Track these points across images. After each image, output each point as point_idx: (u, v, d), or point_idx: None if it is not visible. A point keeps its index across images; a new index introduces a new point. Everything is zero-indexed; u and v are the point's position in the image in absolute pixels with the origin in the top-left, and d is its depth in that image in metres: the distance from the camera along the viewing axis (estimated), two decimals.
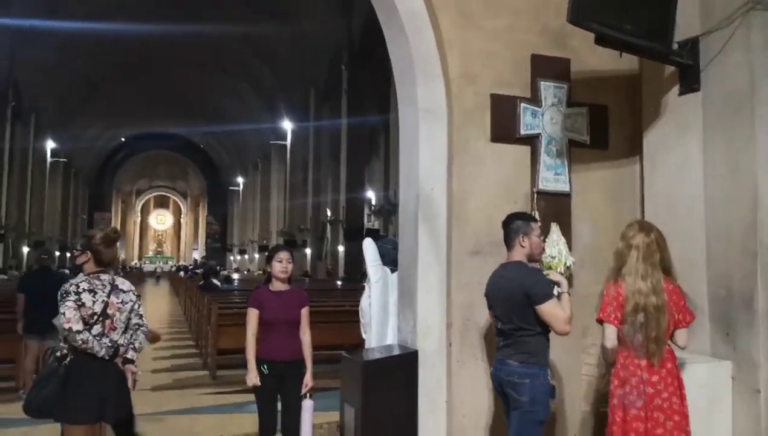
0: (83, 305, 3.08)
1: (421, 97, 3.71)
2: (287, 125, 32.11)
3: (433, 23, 3.69)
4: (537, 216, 3.67)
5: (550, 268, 3.63)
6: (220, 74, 36.08)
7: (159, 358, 9.14)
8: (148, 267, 53.84)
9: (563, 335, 2.87)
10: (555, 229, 3.72)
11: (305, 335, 3.67)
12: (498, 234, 3.70)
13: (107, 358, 3.10)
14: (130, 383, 3.21)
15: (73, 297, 3.07)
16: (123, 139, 53.70)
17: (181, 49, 30.99)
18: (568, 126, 3.85)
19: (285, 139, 33.17)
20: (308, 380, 3.62)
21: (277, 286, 3.68)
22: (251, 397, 6.38)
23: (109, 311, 3.14)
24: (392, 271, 4.18)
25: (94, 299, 3.11)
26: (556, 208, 3.79)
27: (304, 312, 3.70)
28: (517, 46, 3.84)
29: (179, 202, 64.35)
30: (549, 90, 3.83)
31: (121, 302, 3.21)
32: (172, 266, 51.69)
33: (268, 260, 3.77)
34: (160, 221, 64.61)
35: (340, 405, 3.70)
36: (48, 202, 39.48)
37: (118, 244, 3.47)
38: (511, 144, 3.79)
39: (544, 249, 2.97)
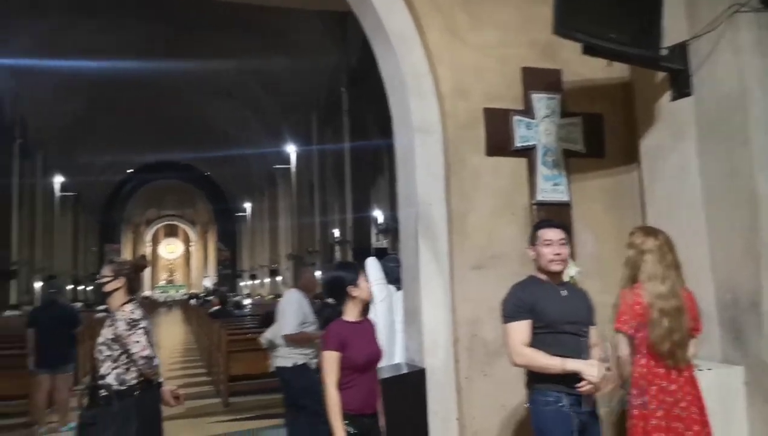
0: (149, 331, 3.06)
1: (415, 115, 3.74)
2: (291, 149, 32.31)
3: (421, 40, 3.73)
4: None
5: None
6: (225, 102, 36.48)
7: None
8: (160, 296, 53.94)
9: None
10: None
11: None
12: (499, 247, 3.72)
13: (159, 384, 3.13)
14: (174, 402, 3.21)
15: (143, 324, 3.03)
16: (130, 171, 54.20)
17: (184, 79, 31.38)
18: (563, 136, 3.86)
19: (289, 163, 33.38)
20: None
21: (353, 315, 2.81)
22: (265, 423, 6.40)
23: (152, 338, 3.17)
24: (397, 289, 4.18)
25: (148, 326, 3.11)
26: (556, 219, 3.78)
27: None
28: (507, 60, 3.86)
29: (188, 231, 64.67)
30: (542, 101, 3.85)
31: (151, 328, 3.23)
32: (183, 295, 51.74)
33: (344, 285, 2.79)
34: (170, 250, 64.86)
35: None
36: (57, 237, 39.74)
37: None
38: (507, 157, 3.80)
39: (553, 259, 2.66)
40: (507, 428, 3.52)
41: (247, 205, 51.23)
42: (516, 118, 3.81)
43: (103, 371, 2.99)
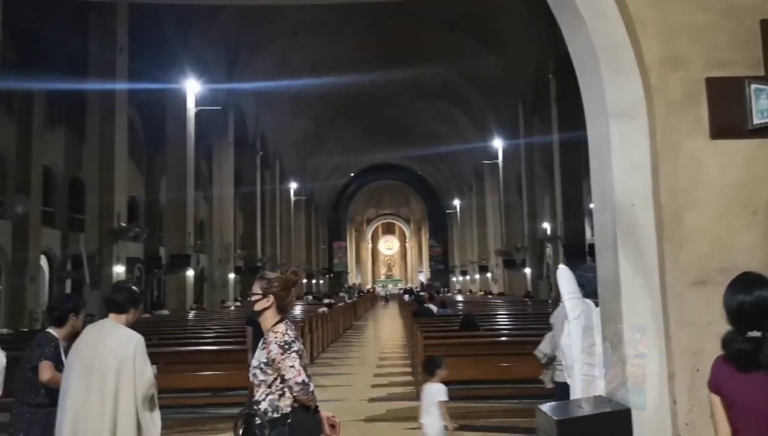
0: (303, 354, 2.85)
1: (610, 95, 3.07)
2: (497, 144, 31.73)
3: (617, 3, 3.04)
4: None
5: None
6: (432, 100, 37.44)
7: (378, 386, 9.34)
8: (381, 291, 57.58)
9: None
10: None
11: None
12: (731, 257, 2.87)
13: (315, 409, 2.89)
14: (329, 431, 2.93)
15: (296, 347, 2.79)
16: (352, 175, 58.85)
17: (394, 84, 32.99)
18: None
19: (496, 157, 32.81)
20: None
21: None
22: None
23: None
24: (596, 304, 3.54)
25: (301, 348, 2.87)
26: None
27: None
28: (737, 13, 2.96)
29: (403, 228, 68.03)
30: None
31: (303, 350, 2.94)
32: (400, 289, 54.40)
33: None
34: (388, 246, 69.03)
35: None
36: (294, 236, 44.88)
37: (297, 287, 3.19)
38: (741, 138, 2.91)
39: None
40: None
41: (456, 203, 51.90)
42: (755, 86, 2.89)
43: (257, 396, 2.80)
